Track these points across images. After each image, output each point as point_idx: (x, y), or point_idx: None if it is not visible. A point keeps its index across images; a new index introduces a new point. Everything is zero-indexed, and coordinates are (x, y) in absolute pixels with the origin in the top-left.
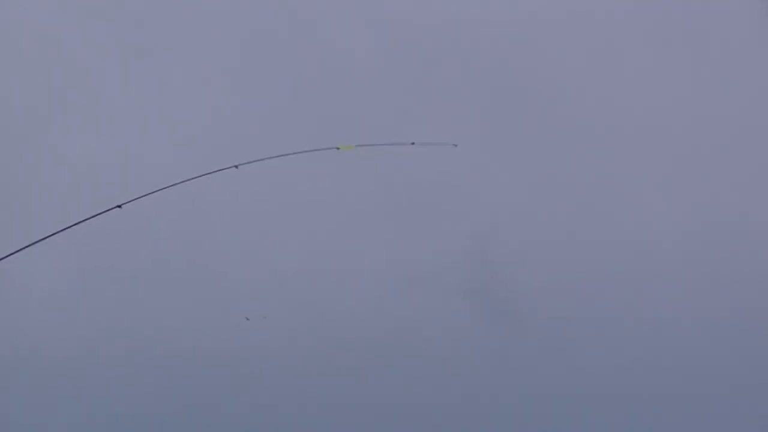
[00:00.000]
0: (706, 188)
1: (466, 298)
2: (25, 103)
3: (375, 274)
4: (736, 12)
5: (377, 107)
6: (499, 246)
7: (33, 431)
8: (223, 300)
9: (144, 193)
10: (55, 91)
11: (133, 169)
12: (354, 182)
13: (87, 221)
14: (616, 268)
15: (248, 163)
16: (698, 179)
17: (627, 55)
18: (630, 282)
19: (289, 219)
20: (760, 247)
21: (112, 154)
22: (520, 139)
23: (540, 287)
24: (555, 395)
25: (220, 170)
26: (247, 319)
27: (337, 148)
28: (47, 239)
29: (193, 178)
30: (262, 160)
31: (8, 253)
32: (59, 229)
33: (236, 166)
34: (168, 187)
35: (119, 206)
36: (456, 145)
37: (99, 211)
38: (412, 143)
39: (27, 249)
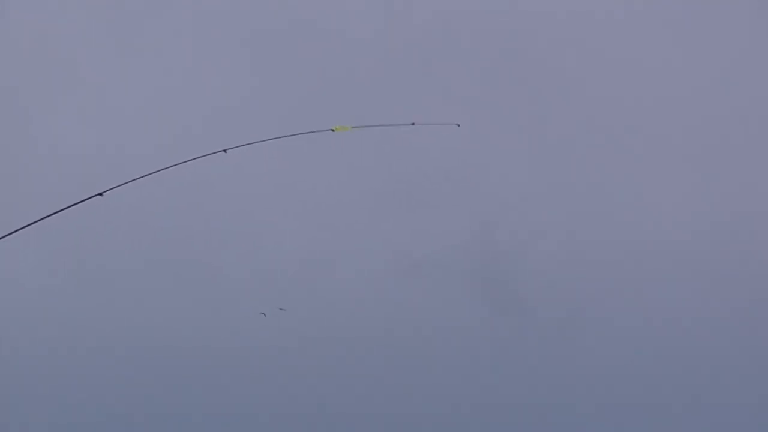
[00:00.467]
0: (717, 177)
1: (471, 286)
2: (6, 93)
3: (375, 263)
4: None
5: (376, 86)
6: (505, 234)
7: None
8: (216, 290)
9: (127, 180)
10: (39, 79)
11: (116, 156)
12: (353, 168)
13: (69, 209)
14: (624, 256)
15: (238, 147)
16: (707, 168)
17: (640, 40)
18: (639, 271)
19: (287, 205)
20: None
21: (96, 141)
22: (528, 124)
23: (547, 276)
24: (561, 385)
25: (208, 155)
26: (264, 314)
27: (333, 130)
28: (27, 228)
29: (178, 164)
30: (252, 143)
31: None
32: (40, 218)
33: (225, 151)
34: (153, 173)
35: (101, 194)
36: (458, 125)
37: (81, 199)
38: (413, 123)
39: (7, 237)
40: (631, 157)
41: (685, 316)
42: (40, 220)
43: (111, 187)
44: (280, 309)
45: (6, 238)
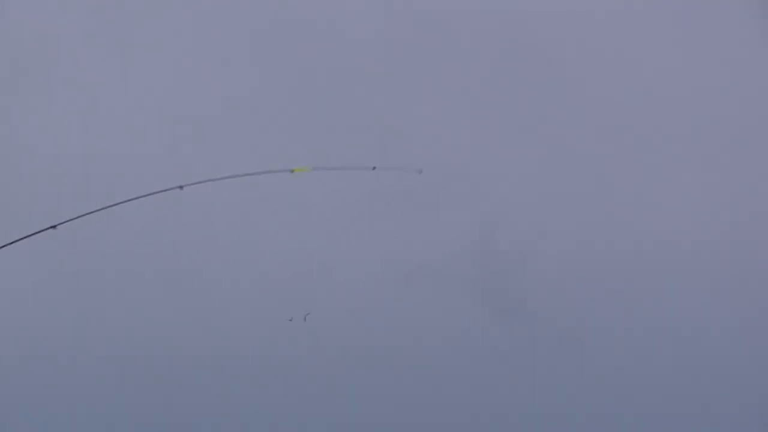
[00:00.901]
0: (729, 178)
1: (472, 292)
2: None
3: (373, 269)
4: None
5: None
6: (507, 238)
7: None
8: (201, 304)
9: (81, 213)
10: None
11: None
12: (352, 172)
13: (23, 240)
14: (631, 261)
15: (194, 183)
16: (718, 170)
17: (649, 38)
18: (647, 276)
19: (280, 209)
20: None
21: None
22: (531, 125)
23: (551, 281)
24: (566, 393)
25: (163, 191)
26: (290, 320)
27: (292, 171)
28: None
29: (132, 199)
30: (209, 181)
31: None
32: None
33: (181, 187)
34: (106, 207)
35: (53, 227)
36: (421, 171)
37: (33, 232)
38: (374, 168)
39: None
40: (637, 158)
41: (695, 321)
42: None
43: (65, 220)
44: (306, 314)
45: None
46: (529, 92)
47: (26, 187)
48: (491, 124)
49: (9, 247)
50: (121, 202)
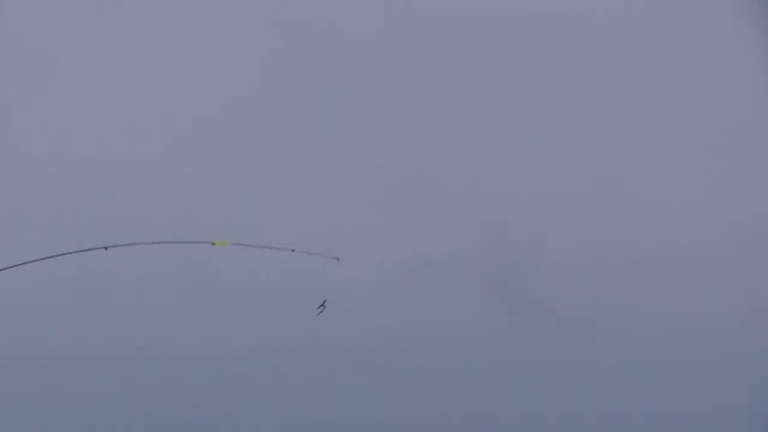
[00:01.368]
0: (739, 175)
1: (483, 288)
2: None
3: (383, 265)
4: None
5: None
6: (518, 233)
7: None
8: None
9: (4, 266)
10: None
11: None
12: (361, 166)
13: None
14: (643, 256)
15: (119, 246)
16: (729, 166)
17: (657, 34)
18: (658, 272)
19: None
20: None
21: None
22: (540, 120)
23: (562, 276)
24: (574, 388)
25: (88, 249)
26: (321, 306)
27: (213, 243)
28: None
29: (57, 255)
30: (133, 244)
31: None
32: None
33: (106, 248)
34: (29, 262)
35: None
36: (338, 259)
37: None
38: (293, 250)
39: None
40: (648, 154)
41: (707, 318)
42: None
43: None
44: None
45: None
46: (536, 88)
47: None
48: (500, 120)
49: None
50: (47, 258)
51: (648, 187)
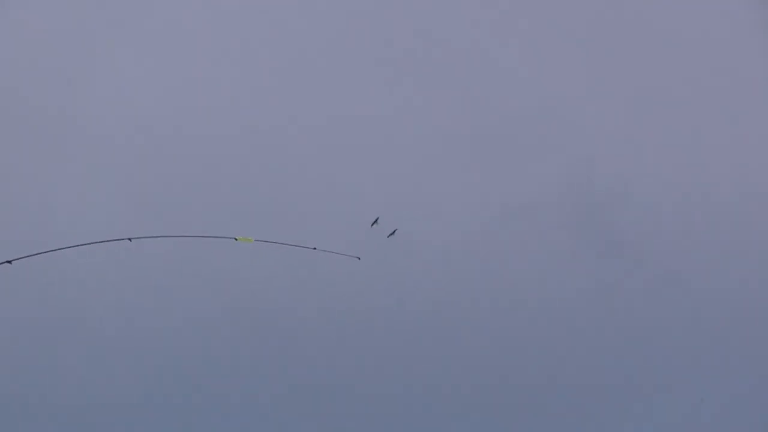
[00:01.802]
0: None
1: (569, 233)
2: None
3: (473, 210)
4: None
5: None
6: (607, 176)
7: None
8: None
9: (36, 252)
10: None
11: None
12: (447, 110)
13: None
14: (734, 199)
15: (143, 237)
16: None
17: None
18: (751, 215)
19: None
20: None
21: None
22: (624, 69)
23: (651, 220)
24: (667, 333)
25: (112, 240)
26: (376, 223)
27: (236, 239)
28: None
29: (81, 245)
30: (156, 237)
31: None
32: None
33: (130, 239)
34: (59, 249)
35: (9, 261)
36: (359, 258)
37: None
38: (314, 248)
39: None
40: (734, 97)
41: None
42: None
43: (20, 256)
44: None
45: None
46: (621, 36)
47: None
48: (586, 66)
49: None
50: (72, 246)
51: (733, 132)
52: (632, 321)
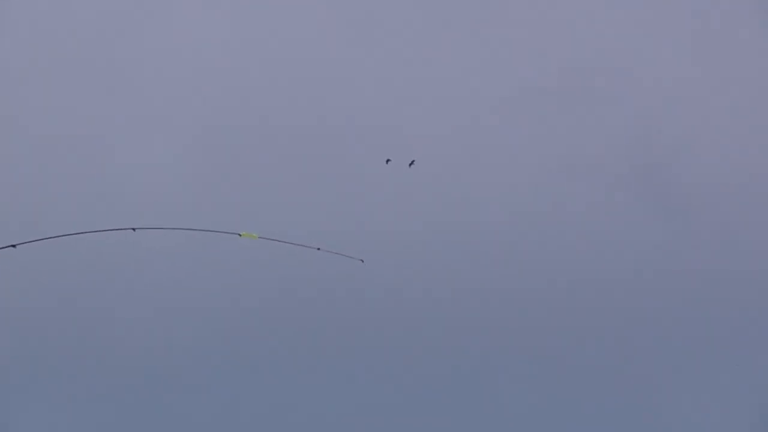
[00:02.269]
0: None
1: (628, 190)
2: None
3: (534, 164)
4: None
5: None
6: (668, 134)
7: None
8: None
9: (40, 237)
10: None
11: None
12: (506, 65)
13: None
14: None
15: (147, 228)
16: None
17: None
18: None
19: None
20: None
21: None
22: (690, 27)
23: (712, 177)
24: (724, 283)
25: (115, 229)
26: (388, 161)
27: (240, 235)
28: None
29: (87, 232)
30: (160, 228)
31: None
32: None
33: (133, 229)
34: (64, 235)
35: (13, 246)
36: (362, 261)
37: None
38: (318, 248)
39: None
40: None
41: None
42: None
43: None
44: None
45: None
46: None
47: None
48: (652, 23)
49: None
50: (77, 233)
51: None
52: (691, 278)
